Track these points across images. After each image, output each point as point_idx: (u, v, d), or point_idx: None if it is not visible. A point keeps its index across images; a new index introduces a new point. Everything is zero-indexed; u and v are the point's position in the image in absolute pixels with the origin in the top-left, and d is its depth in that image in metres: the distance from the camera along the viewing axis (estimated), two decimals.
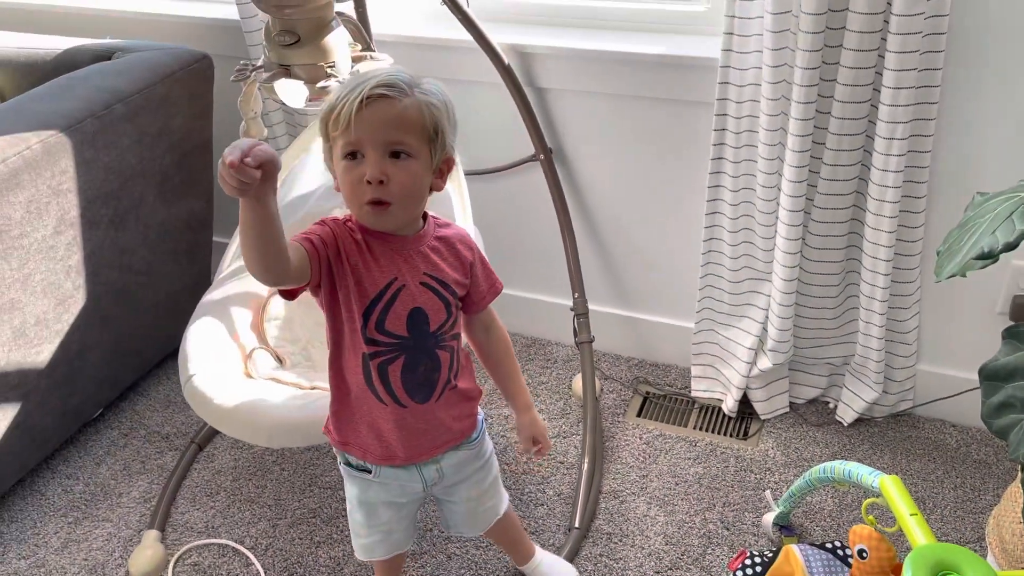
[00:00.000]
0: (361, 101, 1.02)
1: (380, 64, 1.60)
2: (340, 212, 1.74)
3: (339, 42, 1.52)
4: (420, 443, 1.22)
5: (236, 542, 1.68)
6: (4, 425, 1.65)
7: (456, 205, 1.60)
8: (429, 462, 1.24)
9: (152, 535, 1.67)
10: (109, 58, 1.89)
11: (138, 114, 1.75)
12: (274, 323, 1.66)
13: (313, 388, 1.51)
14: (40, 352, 1.68)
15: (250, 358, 1.55)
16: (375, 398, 1.16)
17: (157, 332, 2.02)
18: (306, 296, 1.71)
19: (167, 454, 1.91)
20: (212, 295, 1.62)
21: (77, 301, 1.73)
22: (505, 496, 1.40)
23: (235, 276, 1.67)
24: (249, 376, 1.53)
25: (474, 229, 1.61)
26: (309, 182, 1.75)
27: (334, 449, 1.29)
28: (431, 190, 1.13)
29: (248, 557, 1.65)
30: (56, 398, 1.76)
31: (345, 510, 1.72)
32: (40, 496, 1.82)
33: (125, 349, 1.92)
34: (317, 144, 1.66)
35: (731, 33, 1.53)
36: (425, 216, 1.17)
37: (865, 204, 1.60)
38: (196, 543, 1.69)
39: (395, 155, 1.05)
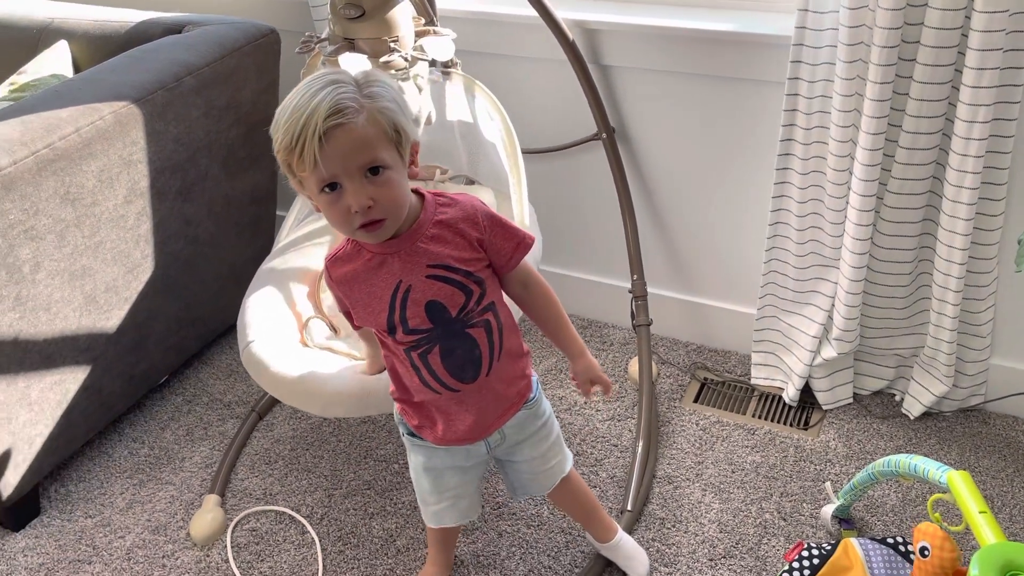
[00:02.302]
0: (319, 139, 1.00)
1: (442, 40, 1.59)
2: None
3: (404, 16, 1.52)
4: (484, 420, 1.24)
5: (293, 510, 1.72)
6: (75, 387, 1.71)
7: (512, 184, 1.59)
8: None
9: (212, 499, 1.72)
10: (180, 31, 1.92)
11: (207, 87, 1.78)
12: (330, 293, 1.68)
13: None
14: (110, 318, 1.73)
15: (306, 327, 1.58)
16: (426, 387, 1.19)
17: (221, 302, 2.06)
18: None
19: (228, 421, 1.95)
20: (271, 263, 1.65)
21: (145, 269, 1.77)
22: (569, 456, 1.40)
23: (294, 246, 1.69)
24: (305, 344, 1.55)
25: (529, 208, 1.59)
26: None
27: (396, 419, 1.31)
28: (410, 176, 1.12)
29: (304, 525, 1.68)
30: (124, 363, 1.81)
31: (398, 483, 1.74)
32: (107, 457, 1.88)
33: (190, 318, 1.96)
34: None
35: (805, 9, 1.47)
36: (423, 200, 1.15)
37: (942, 190, 1.54)
38: (254, 509, 1.73)
39: (372, 171, 1.04)
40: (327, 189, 1.04)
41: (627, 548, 1.53)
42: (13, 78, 1.94)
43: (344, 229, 1.09)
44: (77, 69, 2.00)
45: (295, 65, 1.74)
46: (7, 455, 1.61)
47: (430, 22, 1.67)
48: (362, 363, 1.48)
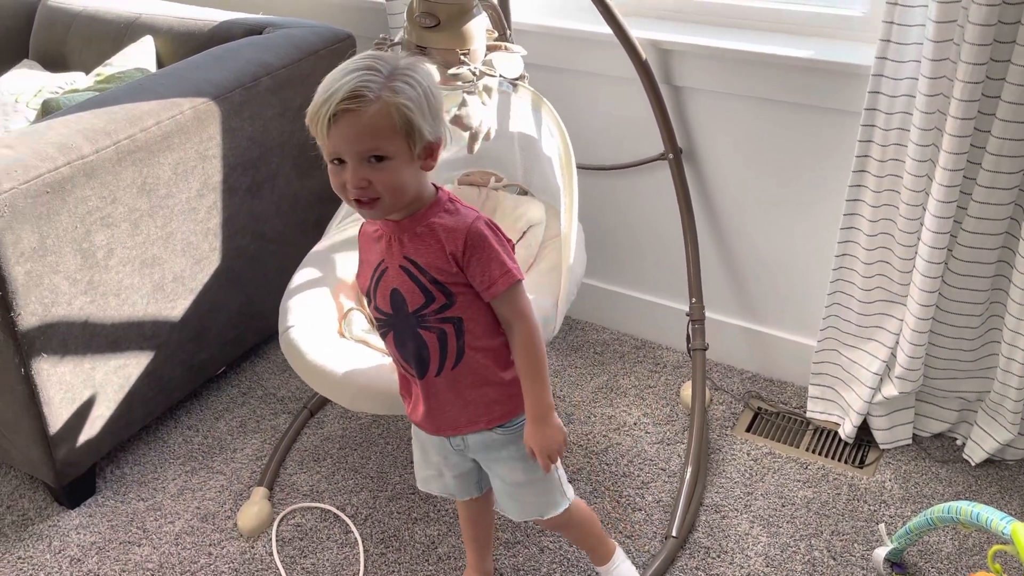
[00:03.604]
0: (329, 119, 1.06)
1: (512, 56, 1.60)
2: (451, 185, 1.78)
3: (478, 30, 1.53)
4: (440, 419, 1.26)
5: (338, 509, 1.73)
6: (137, 372, 1.75)
7: (564, 201, 1.57)
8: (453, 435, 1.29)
9: (261, 492, 1.74)
10: (260, 32, 1.97)
11: (282, 88, 1.82)
12: None
13: None
14: (175, 307, 1.77)
15: (345, 318, 1.60)
16: (397, 363, 1.27)
17: (282, 298, 2.09)
18: None
19: (280, 416, 1.98)
20: (320, 251, 1.67)
21: (212, 262, 1.82)
22: (560, 504, 1.34)
23: (343, 240, 1.71)
24: (342, 335, 1.57)
25: (577, 226, 1.57)
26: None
27: None
28: (423, 169, 1.15)
29: (348, 524, 1.70)
30: (185, 352, 1.86)
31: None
32: (162, 443, 1.92)
33: (251, 312, 2.00)
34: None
35: (888, 40, 1.45)
36: (438, 199, 1.18)
37: (1019, 231, 1.49)
38: (300, 505, 1.75)
39: (376, 158, 1.09)
40: (335, 161, 1.11)
41: None
42: (99, 69, 2.01)
43: (342, 198, 1.15)
44: (160, 64, 2.06)
45: None
46: (69, 434, 1.66)
47: (503, 36, 1.68)
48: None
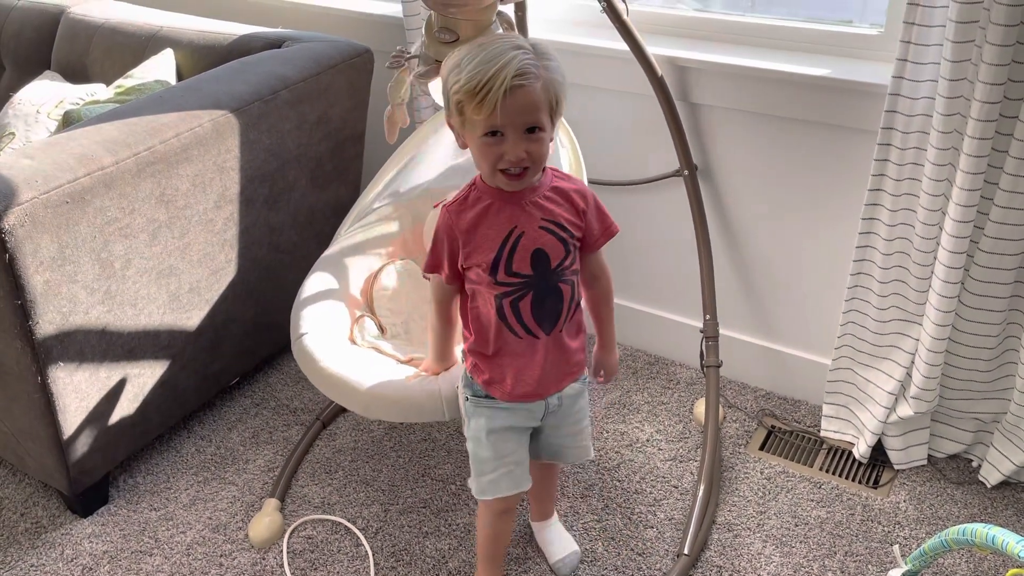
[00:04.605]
0: (504, 91, 1.14)
1: None
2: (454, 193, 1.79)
3: None
4: (548, 377, 1.34)
5: (349, 521, 1.73)
6: (152, 382, 1.76)
7: None
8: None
9: (272, 504, 1.74)
10: (279, 46, 1.99)
11: (301, 101, 1.84)
12: (383, 293, 1.70)
13: (410, 360, 1.55)
14: (191, 318, 1.78)
15: (357, 323, 1.60)
16: (511, 332, 1.30)
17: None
18: (415, 271, 1.75)
19: (293, 428, 1.98)
20: (330, 254, 1.68)
21: (228, 273, 1.83)
22: (592, 448, 1.50)
23: (356, 250, 1.71)
24: (353, 341, 1.58)
25: None
26: (434, 163, 1.78)
27: (462, 383, 1.38)
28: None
29: (358, 537, 1.70)
30: (199, 362, 1.87)
31: (455, 504, 1.75)
32: (175, 453, 1.93)
33: (266, 323, 2.01)
34: (445, 128, 1.68)
35: (904, 60, 1.45)
36: (546, 169, 1.30)
37: None
38: (312, 517, 1.75)
39: (531, 130, 1.19)
40: (489, 134, 1.18)
41: (549, 533, 1.63)
42: (120, 81, 2.03)
43: (487, 171, 1.23)
44: (180, 76, 2.08)
45: (387, 85, 1.78)
46: (83, 442, 1.67)
47: None
48: (408, 369, 1.51)
